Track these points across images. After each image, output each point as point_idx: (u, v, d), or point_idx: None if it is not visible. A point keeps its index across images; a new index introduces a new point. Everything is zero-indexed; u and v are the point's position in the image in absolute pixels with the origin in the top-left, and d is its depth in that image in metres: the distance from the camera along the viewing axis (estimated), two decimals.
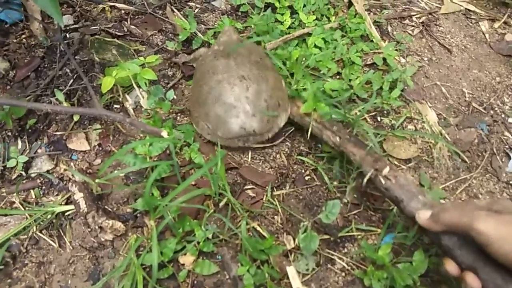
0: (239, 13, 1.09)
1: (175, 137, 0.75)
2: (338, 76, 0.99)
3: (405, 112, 0.95)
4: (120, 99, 0.89)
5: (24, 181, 0.78)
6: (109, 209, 0.76)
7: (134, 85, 0.86)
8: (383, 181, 0.68)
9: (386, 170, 0.68)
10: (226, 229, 0.74)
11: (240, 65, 0.81)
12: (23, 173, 0.78)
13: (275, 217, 0.78)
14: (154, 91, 0.88)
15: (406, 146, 0.91)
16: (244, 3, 1.06)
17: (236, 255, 0.72)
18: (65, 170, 0.79)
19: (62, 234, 0.73)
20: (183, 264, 0.71)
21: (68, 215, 0.75)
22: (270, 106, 0.80)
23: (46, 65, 0.93)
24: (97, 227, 0.72)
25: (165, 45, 1.00)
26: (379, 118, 0.94)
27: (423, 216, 0.59)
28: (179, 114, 0.90)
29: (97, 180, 0.73)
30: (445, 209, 0.56)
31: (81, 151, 0.82)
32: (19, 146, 0.82)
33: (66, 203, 0.75)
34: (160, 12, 1.07)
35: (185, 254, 0.71)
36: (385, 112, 0.94)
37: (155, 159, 0.78)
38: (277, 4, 1.06)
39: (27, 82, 0.90)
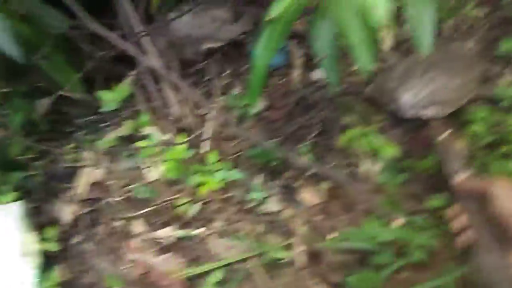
0: None
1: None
2: None
3: None
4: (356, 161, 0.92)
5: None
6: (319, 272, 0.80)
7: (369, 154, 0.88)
8: None
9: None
10: None
11: (454, 71, 0.89)
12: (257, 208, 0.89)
13: None
14: (389, 166, 0.88)
15: None
16: None
17: None
18: (291, 217, 0.87)
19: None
20: None
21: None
22: (437, 98, 0.87)
23: (298, 112, 1.03)
24: None
25: None
26: None
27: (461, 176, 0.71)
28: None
29: (320, 244, 0.77)
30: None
31: (308, 204, 0.88)
32: (257, 181, 0.93)
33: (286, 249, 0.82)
34: None
35: None
36: None
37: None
38: None
39: (277, 125, 1.02)
